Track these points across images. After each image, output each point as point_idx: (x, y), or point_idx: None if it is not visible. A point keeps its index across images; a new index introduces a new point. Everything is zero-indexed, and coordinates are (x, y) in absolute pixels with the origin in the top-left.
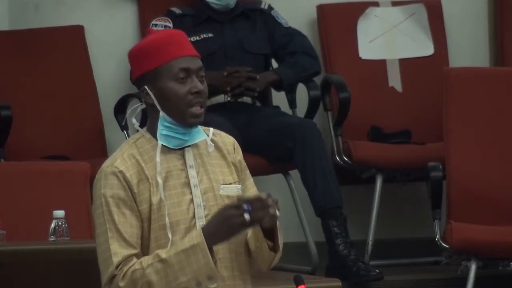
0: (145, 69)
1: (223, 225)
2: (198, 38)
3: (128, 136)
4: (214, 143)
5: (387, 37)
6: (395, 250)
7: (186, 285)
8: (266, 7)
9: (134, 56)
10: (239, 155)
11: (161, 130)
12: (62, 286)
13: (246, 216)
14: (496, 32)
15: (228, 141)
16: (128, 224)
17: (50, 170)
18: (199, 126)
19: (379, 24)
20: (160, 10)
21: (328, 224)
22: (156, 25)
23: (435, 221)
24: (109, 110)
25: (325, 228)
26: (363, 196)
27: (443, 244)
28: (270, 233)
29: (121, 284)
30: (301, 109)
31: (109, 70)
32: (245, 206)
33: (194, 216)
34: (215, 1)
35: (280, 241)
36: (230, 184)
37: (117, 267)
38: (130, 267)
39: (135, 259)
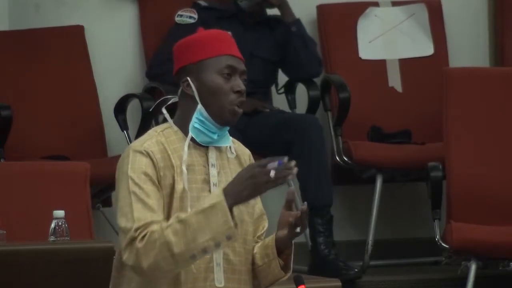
0: (191, 60)
1: (246, 183)
2: None
3: (128, 136)
4: (234, 150)
5: (387, 37)
6: (395, 250)
7: (205, 245)
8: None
9: (182, 47)
10: None
11: (194, 122)
12: (62, 286)
13: (272, 173)
14: (496, 32)
15: (245, 151)
16: (153, 197)
17: (50, 170)
18: (228, 133)
19: (379, 24)
20: (160, 10)
21: (314, 221)
22: (181, 15)
23: (435, 221)
24: (109, 110)
25: (310, 224)
26: (363, 196)
27: (443, 244)
28: (280, 252)
29: (139, 245)
30: (301, 109)
31: (109, 70)
32: (273, 164)
33: None
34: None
35: (291, 262)
36: None
37: (136, 230)
38: (150, 229)
39: (154, 225)
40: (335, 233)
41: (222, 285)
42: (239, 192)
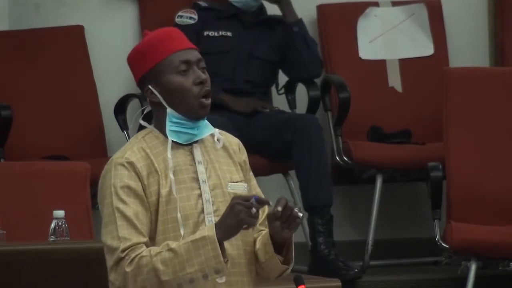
0: (145, 69)
1: (232, 219)
2: (216, 34)
3: (128, 136)
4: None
5: (387, 37)
6: (395, 250)
7: (193, 276)
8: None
9: (133, 59)
10: (244, 155)
11: (169, 126)
12: (62, 286)
13: (253, 210)
14: (496, 32)
15: (233, 141)
16: (138, 213)
17: (50, 170)
18: (206, 120)
19: (379, 24)
20: (160, 10)
21: (313, 221)
22: (181, 16)
23: (435, 221)
24: (109, 110)
25: (310, 224)
26: (363, 196)
27: (443, 244)
28: (279, 247)
29: (128, 269)
30: (301, 110)
31: (109, 70)
32: (253, 200)
33: (202, 211)
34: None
35: (292, 253)
36: (237, 182)
37: (123, 251)
38: (138, 254)
39: (144, 247)
40: (335, 233)
41: (223, 280)
42: (228, 226)
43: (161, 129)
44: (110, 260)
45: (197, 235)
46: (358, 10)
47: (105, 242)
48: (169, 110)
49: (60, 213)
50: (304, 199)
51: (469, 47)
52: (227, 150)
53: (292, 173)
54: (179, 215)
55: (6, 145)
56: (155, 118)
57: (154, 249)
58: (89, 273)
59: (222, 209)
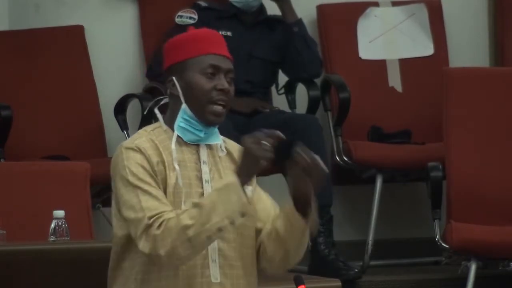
0: (176, 59)
1: (247, 159)
2: None
3: (128, 136)
4: (225, 148)
5: (387, 37)
6: (395, 250)
7: (220, 225)
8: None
9: (169, 47)
10: None
11: (179, 122)
12: (62, 286)
13: (264, 142)
14: (496, 32)
15: (236, 147)
16: (158, 189)
17: (50, 170)
18: (217, 129)
19: (379, 24)
20: (160, 10)
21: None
22: (181, 16)
23: (435, 221)
24: (109, 110)
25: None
26: (363, 196)
27: (443, 244)
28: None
29: (157, 232)
30: (301, 110)
31: (109, 70)
32: (260, 133)
33: None
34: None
35: (315, 212)
36: None
37: (150, 218)
38: (166, 217)
39: (169, 213)
40: (335, 233)
41: (218, 280)
42: (246, 167)
43: (171, 124)
44: (137, 231)
45: (219, 183)
46: (358, 10)
47: (128, 216)
48: (184, 105)
49: (60, 213)
50: None
51: (469, 47)
52: (231, 156)
53: None
54: (183, 207)
55: (6, 145)
56: (169, 110)
57: (179, 211)
58: (89, 273)
59: None
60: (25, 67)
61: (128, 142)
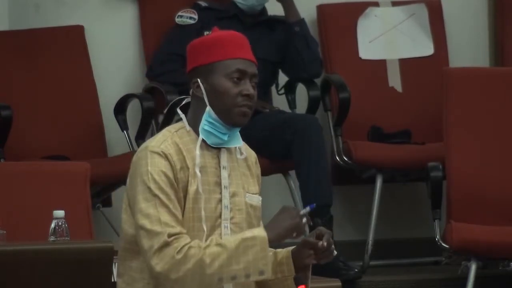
0: (202, 62)
1: (288, 231)
2: None
3: (128, 136)
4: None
5: (387, 37)
6: (395, 250)
7: (236, 274)
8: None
9: (195, 48)
10: (259, 170)
11: (203, 124)
12: (62, 286)
13: (304, 220)
14: (496, 32)
15: (252, 154)
16: (176, 204)
17: (50, 170)
18: (239, 133)
19: (379, 24)
20: (160, 10)
21: (314, 222)
22: (181, 16)
23: (435, 221)
24: (109, 110)
25: (310, 225)
26: (363, 196)
27: (443, 244)
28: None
29: (178, 256)
30: (301, 110)
31: (109, 70)
32: (305, 211)
33: (220, 216)
34: (241, 1)
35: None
36: (253, 194)
37: (170, 236)
38: (187, 243)
39: (189, 238)
40: (335, 233)
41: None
42: (279, 235)
43: (194, 124)
44: (153, 244)
45: (248, 233)
46: (358, 10)
47: (143, 226)
48: (208, 108)
49: (60, 213)
50: (304, 199)
51: (469, 47)
52: (246, 161)
53: (292, 173)
54: (203, 213)
55: (6, 145)
56: (191, 112)
57: (201, 243)
58: (89, 273)
59: (238, 217)
60: (25, 67)
61: (154, 145)
